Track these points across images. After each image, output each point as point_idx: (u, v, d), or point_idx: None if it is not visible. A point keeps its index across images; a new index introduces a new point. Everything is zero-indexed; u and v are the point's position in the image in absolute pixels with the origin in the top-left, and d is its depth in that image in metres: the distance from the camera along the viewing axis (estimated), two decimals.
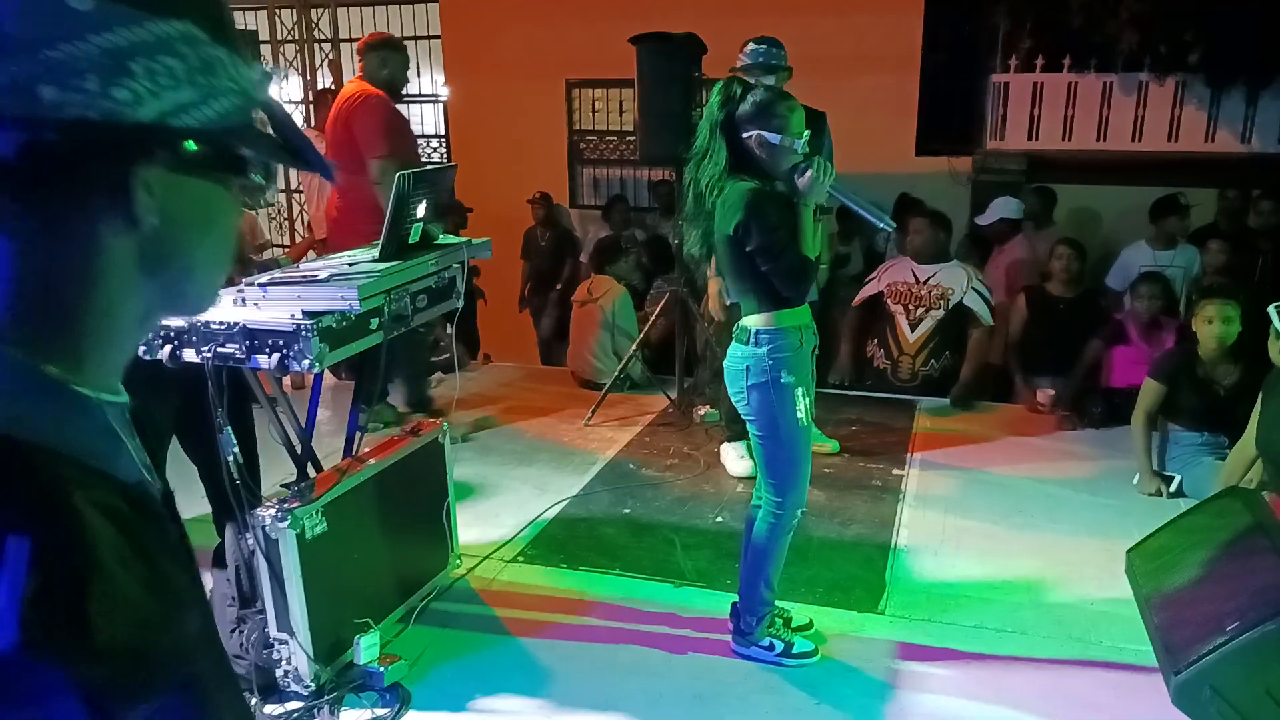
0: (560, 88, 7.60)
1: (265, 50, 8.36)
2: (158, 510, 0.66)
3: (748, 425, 2.71)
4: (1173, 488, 3.93)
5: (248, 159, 0.67)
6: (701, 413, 4.92)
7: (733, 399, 2.74)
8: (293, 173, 8.12)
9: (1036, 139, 6.83)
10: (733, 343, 2.69)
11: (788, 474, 2.68)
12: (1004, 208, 5.73)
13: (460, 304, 3.01)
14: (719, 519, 3.78)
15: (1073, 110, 6.75)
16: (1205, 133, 6.46)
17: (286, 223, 8.47)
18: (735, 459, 4.21)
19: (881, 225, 2.71)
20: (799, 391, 2.61)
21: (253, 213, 5.94)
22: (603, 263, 5.58)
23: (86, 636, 0.52)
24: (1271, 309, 3.31)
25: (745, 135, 2.58)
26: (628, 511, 3.85)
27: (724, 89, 2.63)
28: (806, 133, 2.60)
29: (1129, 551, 3.10)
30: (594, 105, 7.57)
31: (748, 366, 2.61)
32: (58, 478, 0.56)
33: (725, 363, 2.72)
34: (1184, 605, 2.65)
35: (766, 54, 4.04)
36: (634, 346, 5.06)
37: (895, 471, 4.21)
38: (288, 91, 8.12)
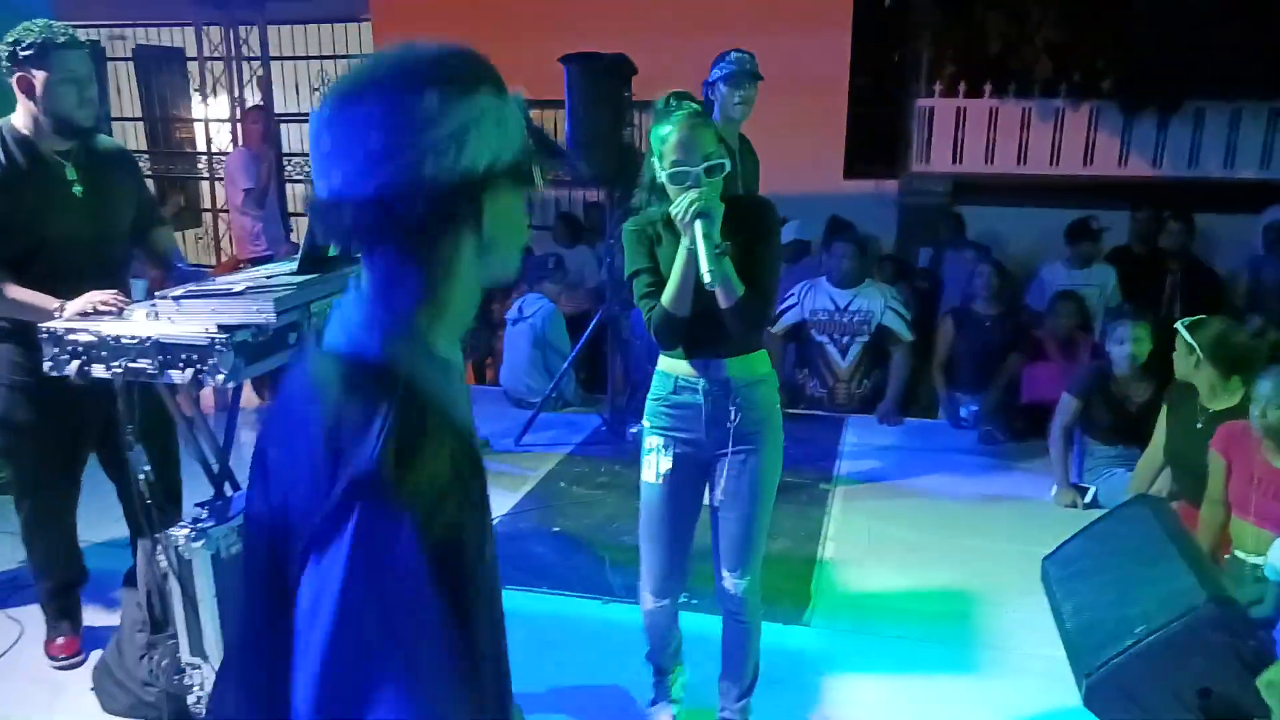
0: None
1: (192, 68, 8.22)
2: (472, 448, 0.95)
3: None
4: (1088, 499, 4.05)
5: (533, 170, 0.95)
6: (634, 430, 4.93)
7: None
8: (220, 194, 7.97)
9: (960, 162, 7.02)
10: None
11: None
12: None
13: None
14: None
15: (994, 135, 6.96)
16: (1119, 157, 6.71)
17: (213, 242, 8.30)
18: None
19: (704, 274, 2.11)
20: (654, 442, 2.33)
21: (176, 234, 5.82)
22: (534, 280, 5.57)
23: (411, 469, 0.83)
24: (1179, 325, 3.44)
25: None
26: (557, 530, 3.84)
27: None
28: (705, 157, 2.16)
29: (1044, 560, 3.20)
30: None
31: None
32: (423, 394, 0.89)
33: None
34: (1095, 610, 2.73)
35: (752, 61, 3.78)
36: (565, 364, 5.06)
37: (822, 486, 4.26)
38: (215, 109, 7.99)
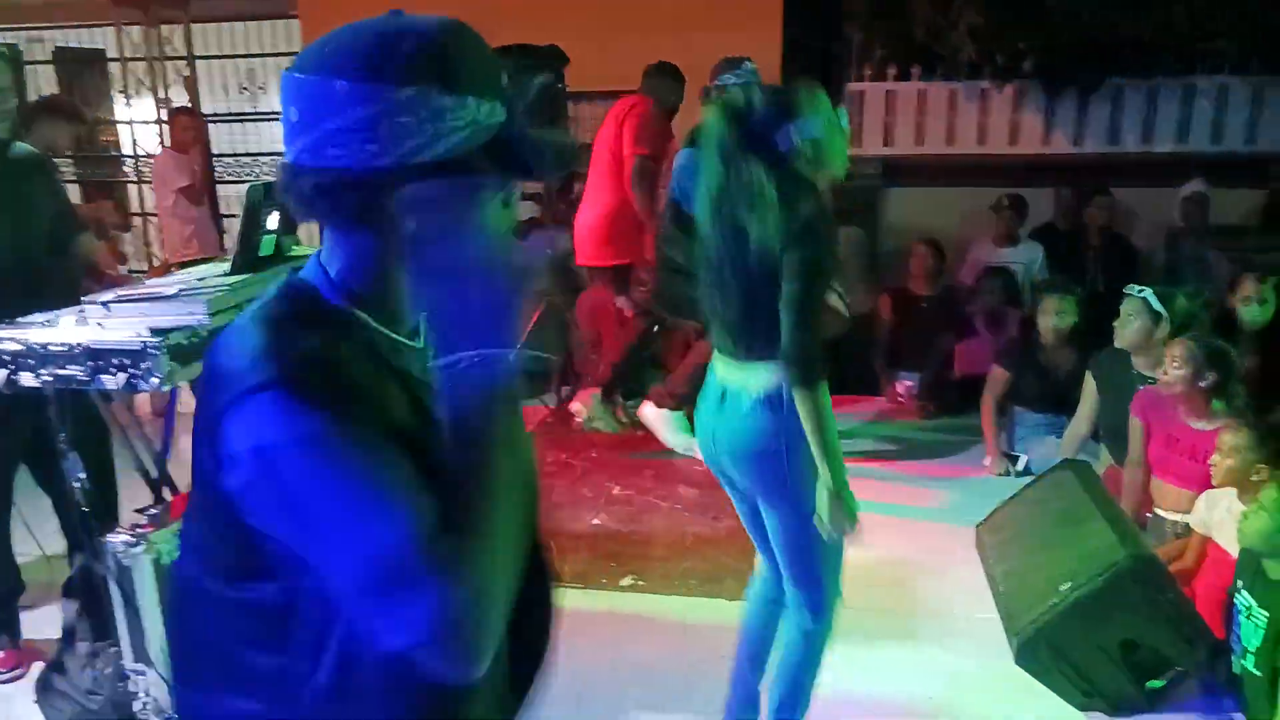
0: None
1: (114, 69, 8.02)
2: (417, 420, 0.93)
3: (779, 511, 2.13)
4: (1020, 466, 4.18)
5: (481, 175, 0.91)
6: (579, 420, 4.97)
7: (762, 479, 2.11)
8: (148, 198, 7.81)
9: (892, 144, 7.14)
10: (749, 412, 2.06)
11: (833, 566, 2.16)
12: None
13: None
14: (596, 521, 3.83)
15: (923, 117, 7.08)
16: (1042, 136, 6.88)
17: (144, 248, 8.13)
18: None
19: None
20: None
21: (108, 240, 5.71)
22: None
23: (321, 388, 0.85)
24: (1148, 293, 3.48)
25: (782, 142, 2.00)
26: None
27: (727, 102, 2.08)
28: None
29: (978, 527, 3.31)
30: None
31: (779, 433, 2.03)
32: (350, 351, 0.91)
33: (750, 432, 2.05)
34: (1025, 573, 2.84)
35: (755, 72, 3.73)
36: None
37: None
38: (139, 110, 7.81)
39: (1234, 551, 2.72)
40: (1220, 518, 2.82)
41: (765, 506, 2.11)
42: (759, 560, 2.33)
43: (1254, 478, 2.49)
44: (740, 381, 2.06)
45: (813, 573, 2.11)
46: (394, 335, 0.97)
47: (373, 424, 0.87)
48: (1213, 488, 2.86)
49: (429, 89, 0.87)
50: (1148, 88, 6.69)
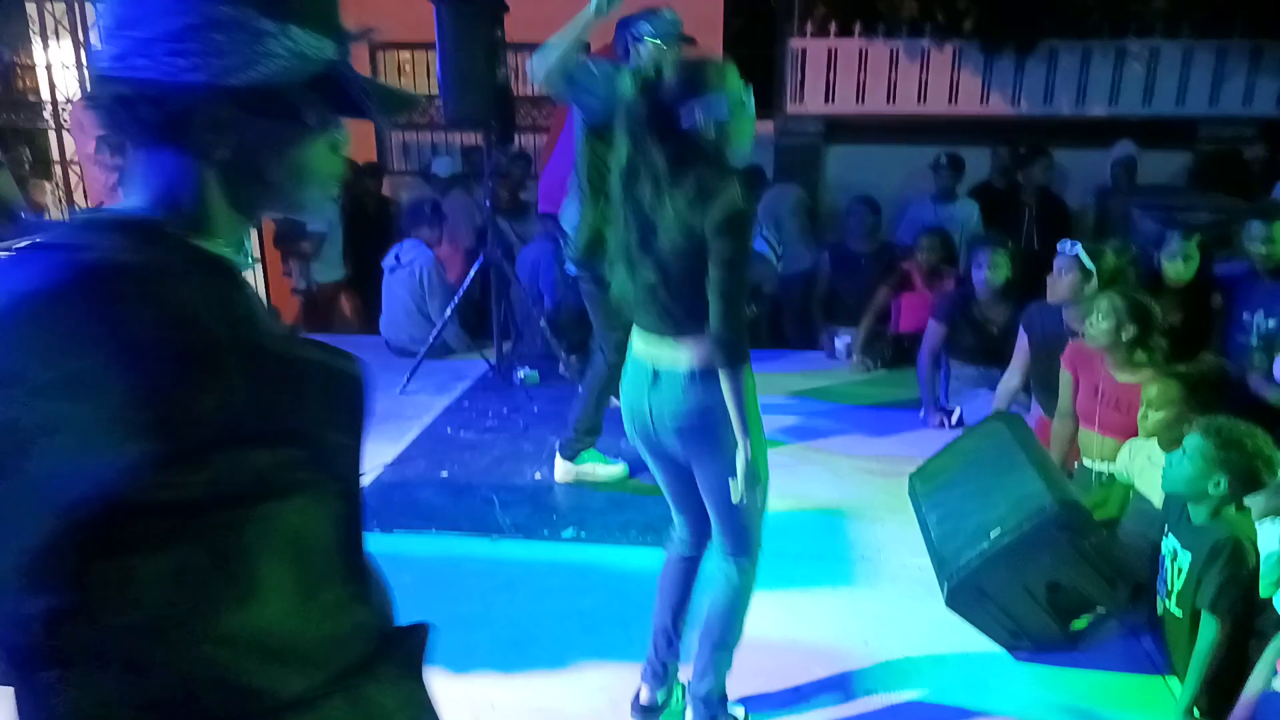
0: (363, 50, 7.34)
1: (31, 10, 7.65)
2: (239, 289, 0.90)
3: (711, 471, 2.17)
4: (954, 419, 4.28)
5: (301, 107, 0.89)
6: (521, 375, 4.95)
7: (700, 445, 2.14)
8: (69, 147, 7.50)
9: (833, 102, 7.16)
10: (687, 387, 2.09)
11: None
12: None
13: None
14: (537, 475, 3.83)
15: (864, 75, 7.10)
16: (981, 95, 6.96)
17: (65, 195, 7.82)
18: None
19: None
20: None
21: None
22: (410, 226, 5.48)
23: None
24: (1079, 250, 3.55)
25: (685, 117, 1.99)
26: (445, 474, 3.84)
27: (639, 75, 2.06)
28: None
29: (911, 476, 3.38)
30: (400, 68, 7.37)
31: (716, 402, 2.07)
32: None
33: (686, 407, 2.09)
34: (956, 519, 2.91)
35: (676, 22, 3.44)
36: (448, 311, 5.01)
37: None
38: (59, 54, 7.47)
39: (1154, 499, 2.83)
40: (1141, 465, 2.93)
41: (701, 467, 2.19)
42: (676, 522, 2.41)
43: (1185, 429, 2.56)
44: (671, 359, 2.11)
45: (741, 522, 2.22)
46: (220, 253, 0.91)
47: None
48: (1138, 438, 2.97)
49: (248, 9, 0.84)
50: (1082, 49, 6.80)
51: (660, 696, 2.42)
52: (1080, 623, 2.70)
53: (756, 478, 2.09)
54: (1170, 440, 2.73)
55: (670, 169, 1.99)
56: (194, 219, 0.89)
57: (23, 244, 0.83)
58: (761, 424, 2.12)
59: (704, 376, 2.07)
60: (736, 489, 2.09)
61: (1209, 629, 2.33)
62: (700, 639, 2.33)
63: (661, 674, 2.42)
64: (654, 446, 2.25)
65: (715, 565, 2.31)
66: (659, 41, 3.34)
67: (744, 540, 2.25)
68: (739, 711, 2.42)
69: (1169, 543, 2.55)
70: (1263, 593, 2.24)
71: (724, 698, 2.37)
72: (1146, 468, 2.90)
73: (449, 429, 4.32)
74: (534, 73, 3.11)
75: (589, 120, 3.29)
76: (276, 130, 0.89)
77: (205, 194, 0.89)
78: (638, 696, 2.43)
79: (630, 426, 2.27)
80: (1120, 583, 2.63)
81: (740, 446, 2.06)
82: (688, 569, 2.42)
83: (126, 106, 0.85)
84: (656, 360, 2.13)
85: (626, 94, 2.05)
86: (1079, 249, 3.53)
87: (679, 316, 2.07)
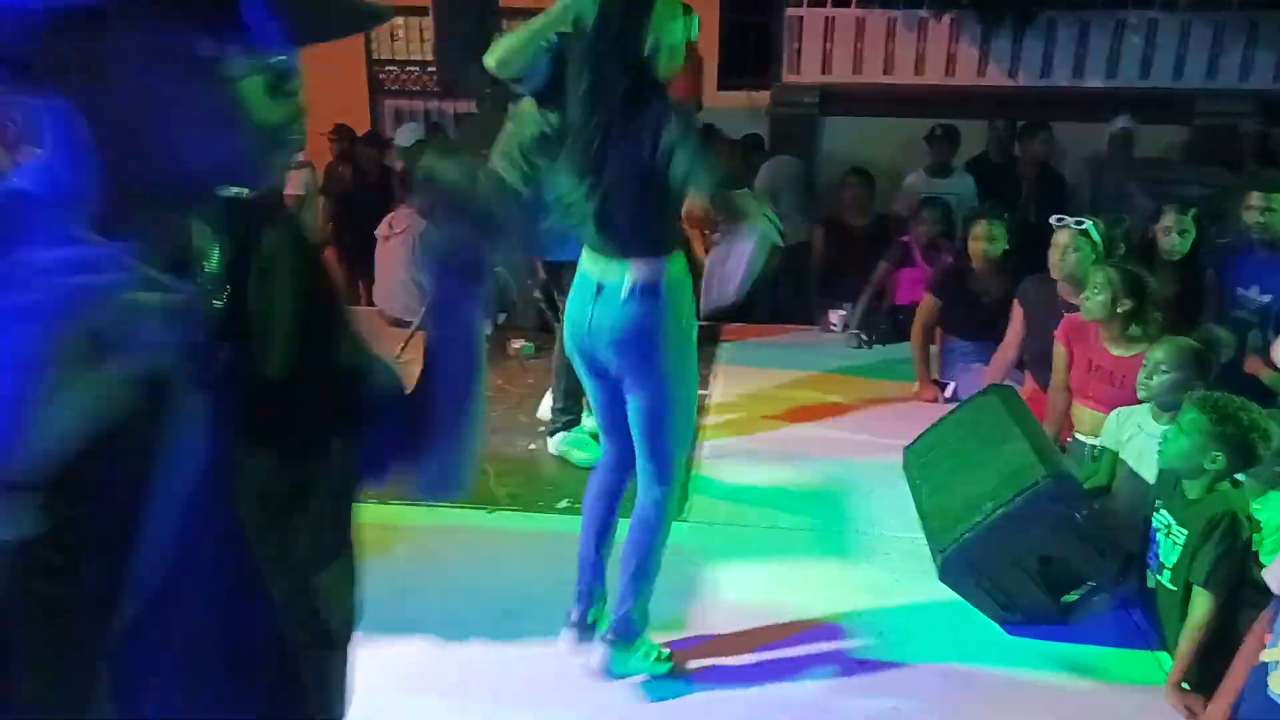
0: None
1: None
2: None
3: (640, 393, 2.29)
4: (948, 393, 4.29)
5: (182, 32, 0.68)
6: (517, 346, 4.93)
7: (634, 361, 2.27)
8: None
9: (830, 72, 7.11)
10: (627, 299, 2.21)
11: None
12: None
13: None
14: (532, 447, 3.83)
15: (861, 45, 7.05)
16: (978, 67, 6.92)
17: None
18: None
19: None
20: None
21: None
22: (406, 195, 5.44)
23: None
24: (1089, 225, 3.56)
25: (641, 42, 2.12)
26: None
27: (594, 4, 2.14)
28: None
29: (905, 450, 3.38)
30: (394, 34, 7.29)
31: (655, 319, 2.22)
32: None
33: (624, 321, 2.21)
34: (948, 492, 2.92)
35: None
36: None
37: (700, 391, 4.36)
38: None
39: (1140, 468, 2.84)
40: (1130, 433, 2.93)
41: (632, 387, 2.29)
42: (602, 440, 2.52)
43: (1186, 394, 2.56)
44: (618, 274, 2.21)
45: (666, 447, 2.32)
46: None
47: None
48: (1126, 407, 2.97)
49: None
50: (1080, 21, 6.75)
51: (591, 615, 2.51)
52: (1071, 596, 2.72)
53: (684, 409, 2.26)
54: (1171, 404, 2.73)
55: (629, 92, 2.11)
56: (71, 202, 0.71)
57: None
58: (696, 352, 2.30)
59: (644, 293, 2.19)
60: (759, 233, 2.16)
61: (1201, 603, 2.35)
62: (621, 565, 2.42)
63: (588, 595, 2.51)
64: (590, 361, 2.36)
65: (641, 491, 2.40)
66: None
67: (665, 469, 2.34)
68: (660, 650, 2.48)
69: (1161, 517, 2.56)
70: (1264, 560, 2.25)
71: (642, 625, 2.44)
72: (1136, 435, 2.90)
73: None
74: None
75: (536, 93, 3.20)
76: (166, 67, 0.69)
77: (78, 167, 0.71)
78: (569, 613, 2.51)
79: (570, 340, 2.37)
80: (1111, 556, 2.65)
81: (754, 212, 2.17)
82: (611, 490, 2.51)
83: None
84: (602, 275, 2.25)
85: (587, 19, 2.15)
86: (1088, 224, 3.53)
87: (626, 236, 2.21)
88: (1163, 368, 2.81)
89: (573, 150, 2.21)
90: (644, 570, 2.41)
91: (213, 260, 0.81)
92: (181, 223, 0.79)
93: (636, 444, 2.35)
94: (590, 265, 2.30)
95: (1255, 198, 3.66)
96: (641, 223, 2.20)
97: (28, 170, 0.75)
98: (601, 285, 2.25)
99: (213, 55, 0.69)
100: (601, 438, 2.53)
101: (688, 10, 2.27)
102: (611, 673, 2.42)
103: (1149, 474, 2.78)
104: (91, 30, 0.66)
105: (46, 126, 0.73)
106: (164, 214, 0.76)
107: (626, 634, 2.42)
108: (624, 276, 2.20)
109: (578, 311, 2.32)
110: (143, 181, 0.73)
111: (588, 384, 2.45)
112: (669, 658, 2.49)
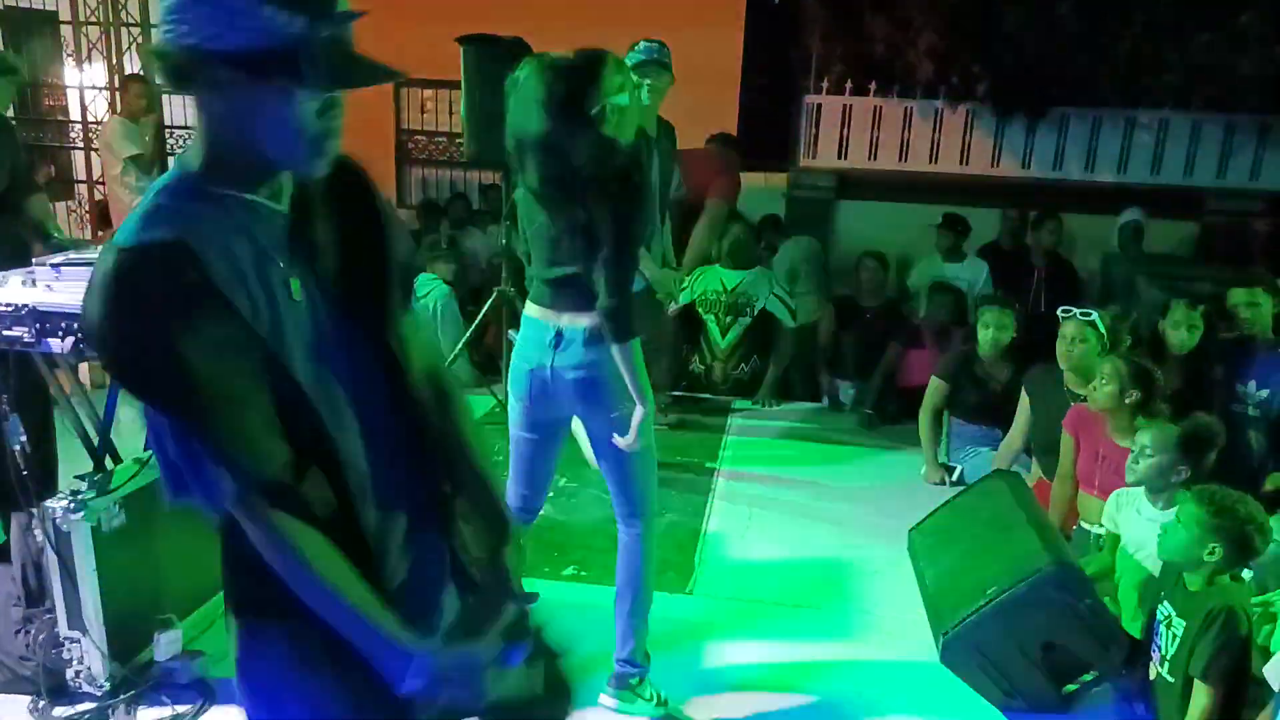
0: (388, 86, 7.48)
1: (66, 31, 7.82)
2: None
3: (606, 429, 2.35)
4: (955, 476, 4.30)
5: (272, 72, 1.08)
6: None
7: (611, 418, 2.33)
8: (96, 166, 7.62)
9: (846, 158, 7.29)
10: (585, 343, 2.29)
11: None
12: None
13: None
14: (543, 513, 3.85)
15: (878, 132, 7.24)
16: (992, 157, 7.09)
17: (87, 214, 7.95)
18: None
19: None
20: None
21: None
22: (425, 261, 5.56)
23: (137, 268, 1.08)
24: (1096, 316, 3.63)
25: (589, 103, 2.17)
26: None
27: (540, 65, 2.23)
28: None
29: (910, 531, 3.40)
30: (423, 105, 7.53)
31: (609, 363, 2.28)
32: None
33: (588, 359, 2.29)
34: (953, 575, 2.94)
35: (661, 50, 4.00)
36: (459, 345, 5.07)
37: (708, 465, 4.41)
38: (91, 76, 7.63)
39: (1141, 553, 2.84)
40: (1129, 517, 2.95)
41: (594, 423, 2.38)
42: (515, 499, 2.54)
43: (1174, 479, 2.60)
44: (571, 322, 2.30)
45: (635, 485, 2.41)
46: (254, 198, 1.17)
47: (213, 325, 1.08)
48: (1124, 489, 2.99)
49: None
50: (1092, 117, 6.93)
51: None
52: (1073, 686, 2.71)
53: (647, 434, 2.29)
54: (1159, 488, 2.77)
55: (577, 150, 2.15)
56: (209, 165, 1.15)
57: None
58: (652, 392, 2.29)
59: (603, 336, 2.25)
60: (628, 442, 2.26)
61: (1201, 697, 2.34)
62: (616, 607, 2.50)
63: None
64: (543, 410, 2.39)
65: (622, 530, 2.48)
66: (642, 72, 3.77)
67: (639, 503, 2.43)
68: (661, 694, 2.54)
69: (1164, 609, 2.57)
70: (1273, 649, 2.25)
71: (644, 664, 2.51)
72: (1135, 520, 2.92)
73: None
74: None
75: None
76: (257, 91, 1.10)
77: (214, 143, 1.14)
78: None
79: (523, 389, 2.38)
80: (1115, 646, 2.65)
81: (638, 406, 2.24)
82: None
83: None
84: (558, 321, 2.31)
85: (530, 80, 2.20)
86: (1096, 316, 3.60)
87: (585, 293, 2.24)
88: (1148, 451, 2.85)
89: (542, 207, 2.30)
90: (640, 605, 2.48)
91: (283, 200, 1.22)
92: (270, 182, 1.19)
93: (609, 481, 2.45)
94: (542, 313, 2.35)
95: (1239, 294, 3.75)
96: (587, 280, 2.22)
97: (186, 149, 1.20)
98: (560, 331, 2.31)
99: (285, 89, 1.10)
100: (514, 488, 2.55)
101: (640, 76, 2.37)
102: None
103: (1147, 559, 2.79)
104: (226, 66, 1.08)
105: (201, 116, 1.15)
106: (257, 178, 1.18)
107: (633, 680, 2.51)
108: (577, 323, 2.29)
109: (535, 358, 2.34)
110: (243, 159, 1.15)
111: (526, 439, 2.47)
112: (666, 701, 2.56)
